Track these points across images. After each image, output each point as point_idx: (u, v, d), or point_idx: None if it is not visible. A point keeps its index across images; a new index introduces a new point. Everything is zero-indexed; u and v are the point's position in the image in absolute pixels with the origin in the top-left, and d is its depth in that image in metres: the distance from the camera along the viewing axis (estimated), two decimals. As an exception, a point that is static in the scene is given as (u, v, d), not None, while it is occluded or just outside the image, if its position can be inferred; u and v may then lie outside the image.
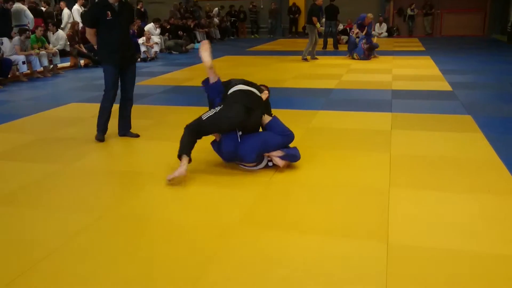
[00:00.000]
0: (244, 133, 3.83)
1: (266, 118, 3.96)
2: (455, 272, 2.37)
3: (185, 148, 3.70)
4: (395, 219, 2.96)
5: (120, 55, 4.64)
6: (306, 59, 11.51)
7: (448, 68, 9.79)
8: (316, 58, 11.79)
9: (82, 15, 12.69)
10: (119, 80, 4.79)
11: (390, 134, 4.90)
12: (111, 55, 4.62)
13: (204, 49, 3.97)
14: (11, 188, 3.63)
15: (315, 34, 11.43)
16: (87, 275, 2.41)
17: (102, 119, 4.82)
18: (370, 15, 11.92)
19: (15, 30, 9.87)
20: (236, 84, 3.98)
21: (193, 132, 3.78)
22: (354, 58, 11.69)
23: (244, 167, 3.91)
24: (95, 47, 4.82)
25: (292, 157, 3.87)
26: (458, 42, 16.56)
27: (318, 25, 11.31)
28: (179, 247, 2.67)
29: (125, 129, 4.97)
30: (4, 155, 4.47)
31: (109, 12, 4.49)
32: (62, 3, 13.73)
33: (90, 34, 4.67)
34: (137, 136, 4.94)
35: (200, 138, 3.83)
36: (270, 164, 3.88)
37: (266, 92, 4.11)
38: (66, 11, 13.17)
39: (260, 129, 4.03)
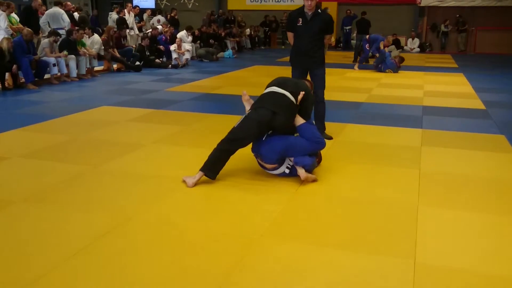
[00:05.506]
0: (274, 134, 3.81)
1: (299, 120, 3.85)
2: (485, 296, 2.30)
3: (207, 165, 3.73)
4: (423, 237, 2.89)
5: (304, 58, 5.11)
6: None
7: (481, 86, 9.59)
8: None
9: (118, 21, 12.98)
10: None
11: (420, 150, 4.81)
12: (295, 57, 5.21)
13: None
14: (40, 186, 3.70)
15: None
16: (109, 278, 2.42)
17: None
18: (389, 38, 12.80)
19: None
20: (271, 85, 3.99)
21: (225, 145, 3.77)
22: (387, 72, 11.59)
23: (264, 168, 3.89)
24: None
25: (309, 167, 3.77)
26: (493, 60, 16.22)
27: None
28: (202, 255, 2.67)
29: (320, 131, 4.88)
30: (35, 154, 4.56)
31: (300, 19, 5.03)
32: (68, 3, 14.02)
33: (289, 37, 5.31)
34: (331, 138, 5.13)
35: (233, 151, 3.81)
36: (286, 171, 3.83)
37: (302, 92, 3.87)
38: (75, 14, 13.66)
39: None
